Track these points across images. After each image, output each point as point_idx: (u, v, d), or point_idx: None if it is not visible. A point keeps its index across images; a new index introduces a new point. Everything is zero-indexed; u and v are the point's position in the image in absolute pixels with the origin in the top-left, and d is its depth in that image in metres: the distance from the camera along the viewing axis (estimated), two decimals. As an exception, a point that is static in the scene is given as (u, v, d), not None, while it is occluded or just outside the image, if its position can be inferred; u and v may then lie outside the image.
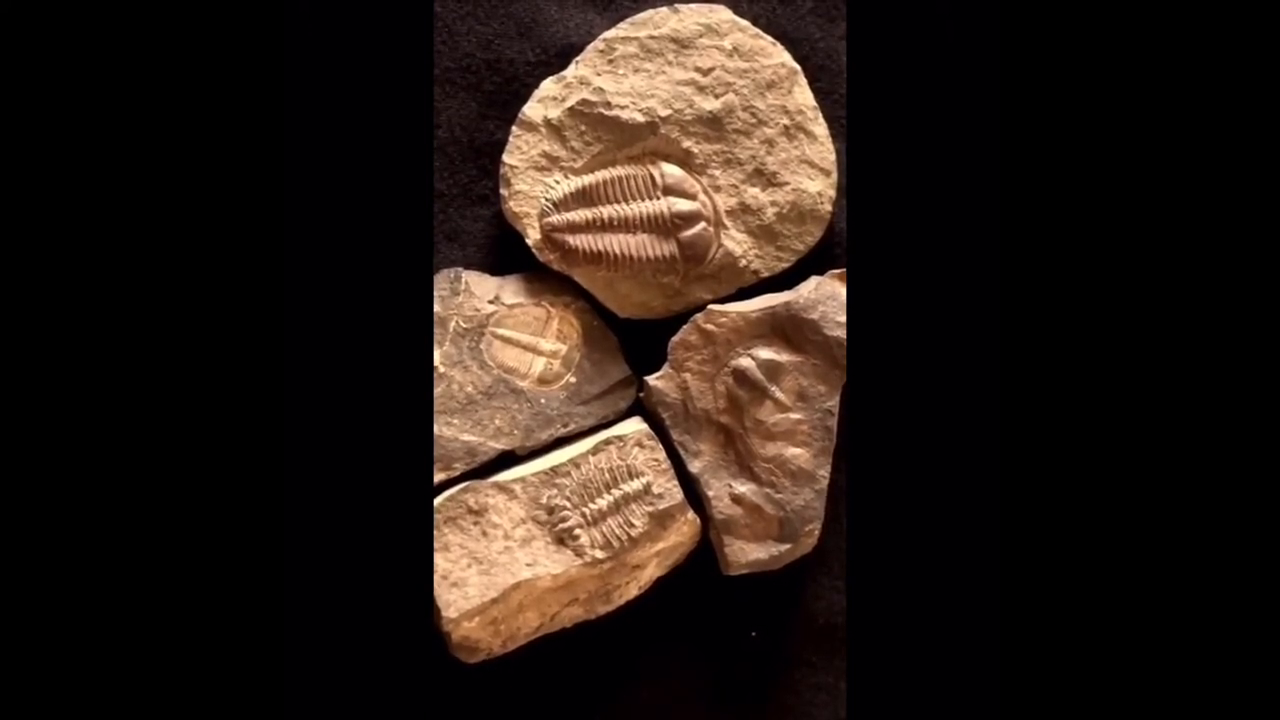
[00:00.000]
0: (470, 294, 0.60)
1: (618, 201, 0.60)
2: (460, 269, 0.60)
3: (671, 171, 0.60)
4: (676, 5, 0.60)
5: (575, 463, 0.59)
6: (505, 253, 0.61)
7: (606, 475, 0.59)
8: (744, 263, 0.60)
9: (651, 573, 0.60)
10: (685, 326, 0.59)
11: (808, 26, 0.62)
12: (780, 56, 0.60)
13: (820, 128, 0.60)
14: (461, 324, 0.59)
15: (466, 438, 0.59)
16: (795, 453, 0.59)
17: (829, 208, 0.60)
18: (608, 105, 0.59)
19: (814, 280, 0.59)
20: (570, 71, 0.60)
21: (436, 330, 0.59)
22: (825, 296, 0.59)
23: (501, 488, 0.58)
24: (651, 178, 0.60)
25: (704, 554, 0.60)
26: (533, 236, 0.60)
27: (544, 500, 0.58)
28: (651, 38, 0.59)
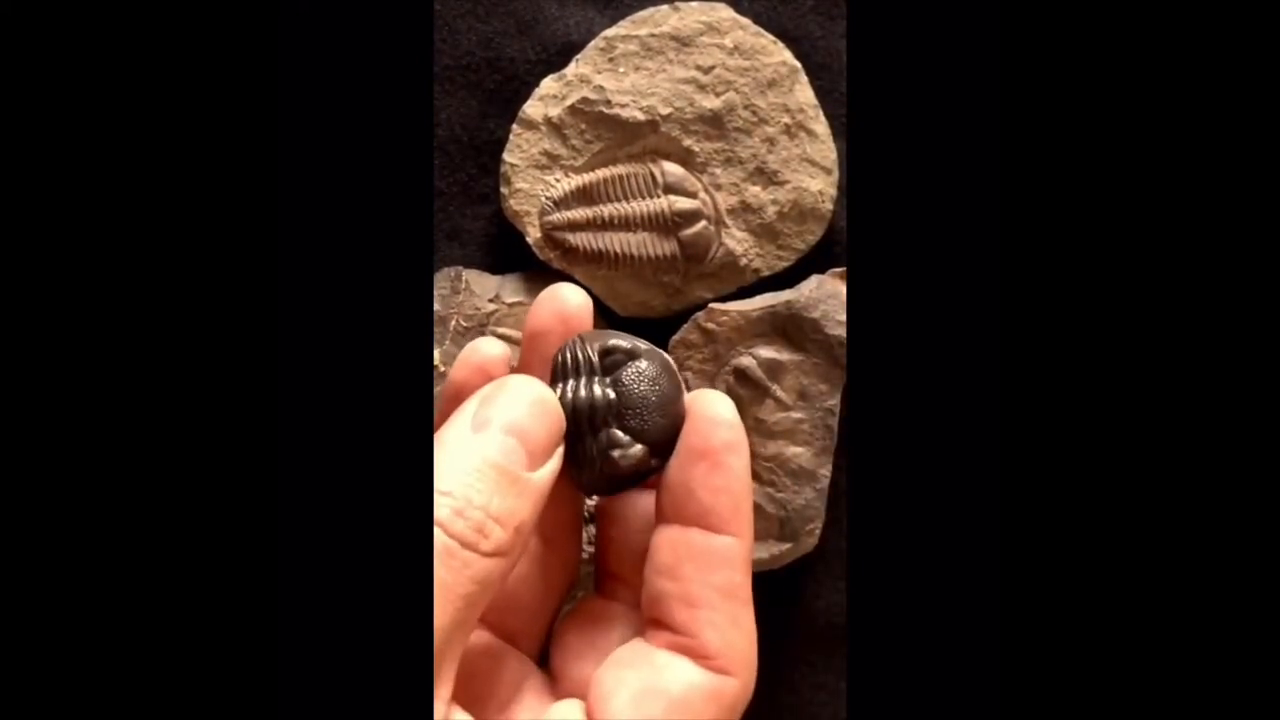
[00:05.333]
0: (470, 292, 0.60)
1: (618, 200, 0.60)
2: (460, 267, 0.60)
3: (672, 170, 0.60)
4: (677, 3, 0.60)
5: (576, 461, 0.59)
6: (505, 251, 0.61)
7: (607, 474, 0.59)
8: (745, 261, 0.60)
9: (652, 572, 0.60)
10: (686, 325, 0.59)
11: (808, 25, 0.62)
12: (781, 55, 0.60)
13: (821, 126, 0.60)
14: (462, 322, 0.59)
15: (467, 436, 0.59)
16: (796, 451, 0.59)
17: (830, 206, 0.60)
18: (608, 103, 0.59)
19: (815, 279, 0.59)
20: (571, 69, 0.60)
21: (437, 329, 0.59)
22: (826, 295, 0.59)
23: (502, 486, 0.58)
24: (652, 176, 0.60)
25: (704, 553, 0.60)
26: (533, 235, 0.60)
27: (544, 499, 0.58)
28: (652, 36, 0.59)
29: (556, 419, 0.42)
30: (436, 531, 0.37)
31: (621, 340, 0.44)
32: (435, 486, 0.38)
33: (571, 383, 0.44)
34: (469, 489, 0.38)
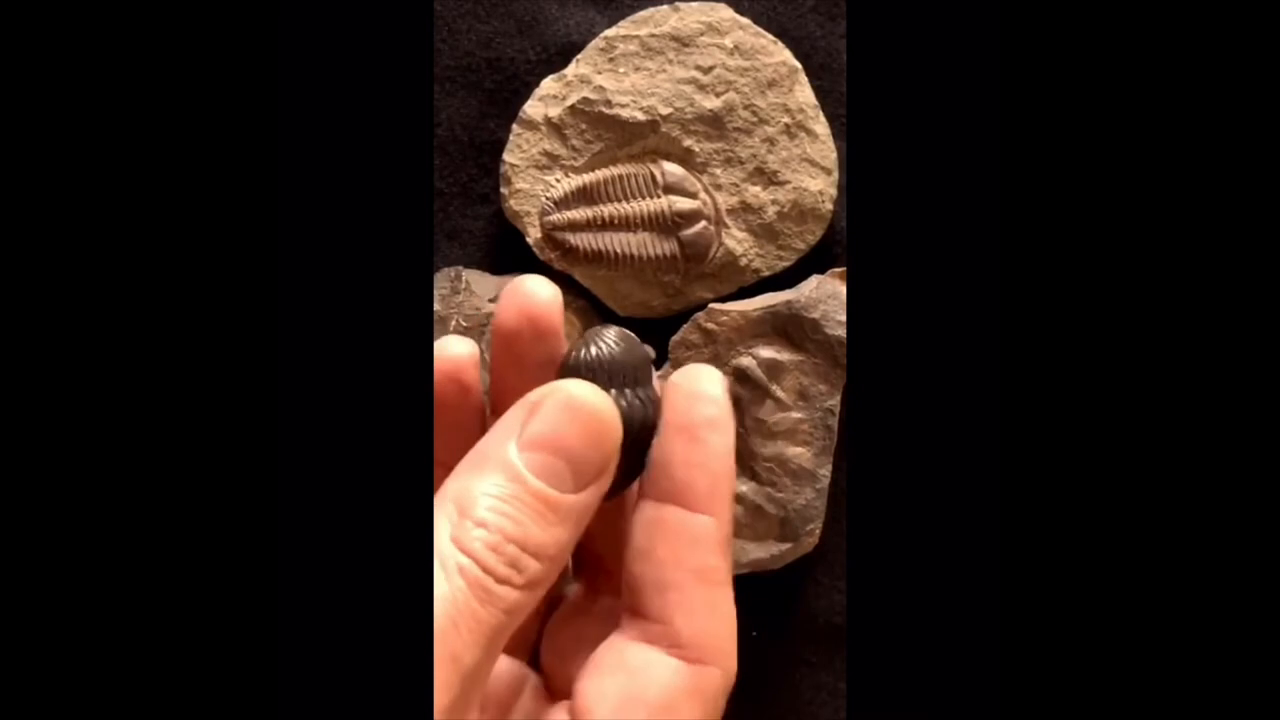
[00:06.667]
0: (470, 293, 0.60)
1: (618, 200, 0.60)
2: (460, 268, 0.60)
3: (672, 170, 0.60)
4: (677, 3, 0.60)
5: (576, 462, 0.59)
6: (505, 251, 0.61)
7: (607, 474, 0.59)
8: (745, 261, 0.60)
9: (652, 572, 0.59)
10: (686, 325, 0.59)
11: (808, 25, 0.62)
12: (781, 55, 0.60)
13: (821, 126, 0.60)
14: (462, 322, 0.59)
15: (467, 436, 0.59)
16: (796, 452, 0.59)
17: (830, 206, 0.60)
18: (608, 104, 0.59)
19: (815, 279, 0.59)
20: (571, 70, 0.60)
21: (436, 329, 0.59)
22: (826, 295, 0.58)
23: (502, 487, 0.58)
24: (652, 176, 0.60)
25: (704, 553, 0.60)
26: (533, 235, 0.60)
27: (544, 499, 0.58)
28: (653, 36, 0.59)
29: (614, 434, 0.38)
30: (469, 564, 0.35)
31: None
32: (469, 513, 0.36)
33: (643, 391, 0.40)
34: (504, 520, 0.36)
